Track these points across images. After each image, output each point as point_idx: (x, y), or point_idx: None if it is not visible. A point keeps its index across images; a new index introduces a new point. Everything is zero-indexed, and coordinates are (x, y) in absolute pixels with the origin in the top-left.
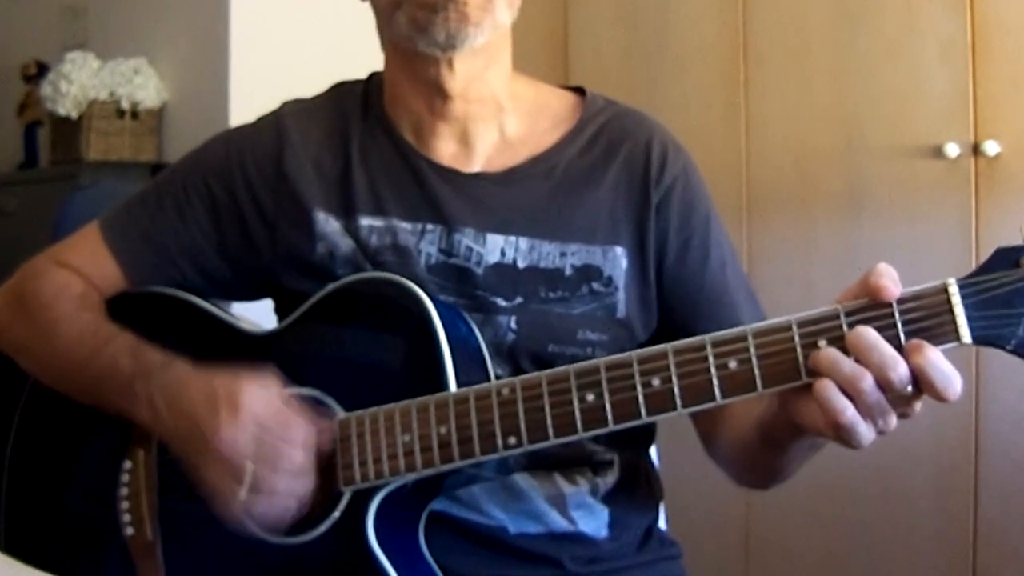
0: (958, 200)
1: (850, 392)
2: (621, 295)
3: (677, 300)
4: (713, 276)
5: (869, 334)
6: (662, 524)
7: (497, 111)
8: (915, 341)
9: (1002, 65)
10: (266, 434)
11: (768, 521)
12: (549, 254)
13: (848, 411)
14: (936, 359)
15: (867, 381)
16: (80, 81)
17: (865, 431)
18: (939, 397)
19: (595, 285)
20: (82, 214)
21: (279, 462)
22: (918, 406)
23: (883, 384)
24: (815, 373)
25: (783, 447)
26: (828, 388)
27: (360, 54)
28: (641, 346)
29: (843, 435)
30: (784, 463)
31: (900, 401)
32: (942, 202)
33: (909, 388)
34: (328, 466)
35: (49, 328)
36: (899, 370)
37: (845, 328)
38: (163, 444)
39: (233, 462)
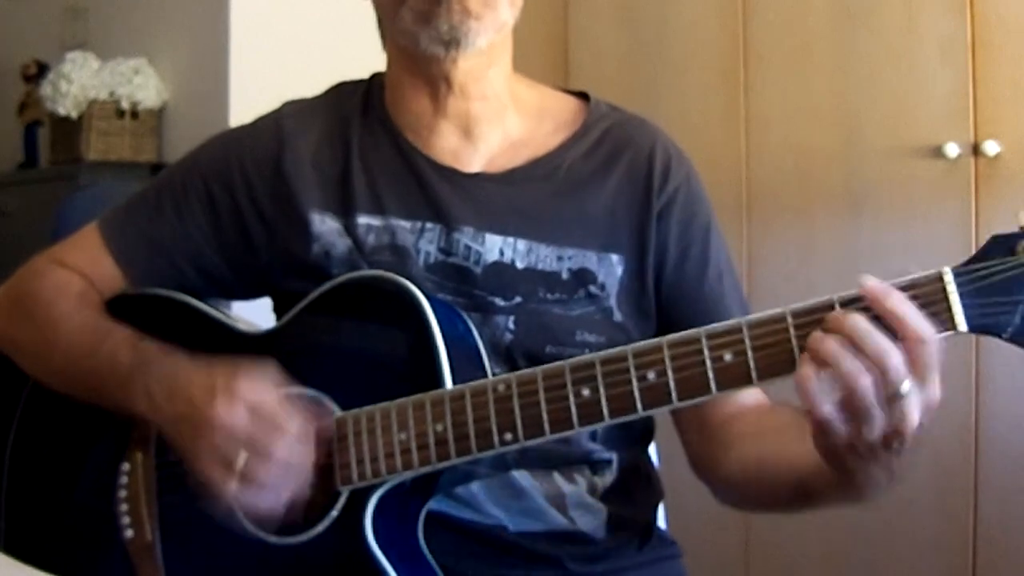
0: (958, 200)
1: (844, 385)
2: (613, 302)
3: (674, 308)
4: (711, 286)
5: (863, 324)
6: (662, 524)
7: (500, 110)
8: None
9: (1002, 65)
10: (260, 423)
11: (768, 521)
12: (546, 257)
13: (826, 406)
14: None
15: (863, 380)
16: (80, 81)
17: (840, 425)
18: (914, 336)
19: (591, 288)
20: (82, 214)
21: (272, 452)
22: (908, 418)
23: (880, 369)
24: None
25: (818, 502)
26: (810, 381)
27: (360, 55)
28: None
29: (824, 429)
30: (803, 510)
31: (889, 404)
32: (942, 202)
33: (904, 386)
34: (326, 465)
35: (48, 326)
36: (895, 359)
37: None
38: (160, 436)
39: (226, 448)
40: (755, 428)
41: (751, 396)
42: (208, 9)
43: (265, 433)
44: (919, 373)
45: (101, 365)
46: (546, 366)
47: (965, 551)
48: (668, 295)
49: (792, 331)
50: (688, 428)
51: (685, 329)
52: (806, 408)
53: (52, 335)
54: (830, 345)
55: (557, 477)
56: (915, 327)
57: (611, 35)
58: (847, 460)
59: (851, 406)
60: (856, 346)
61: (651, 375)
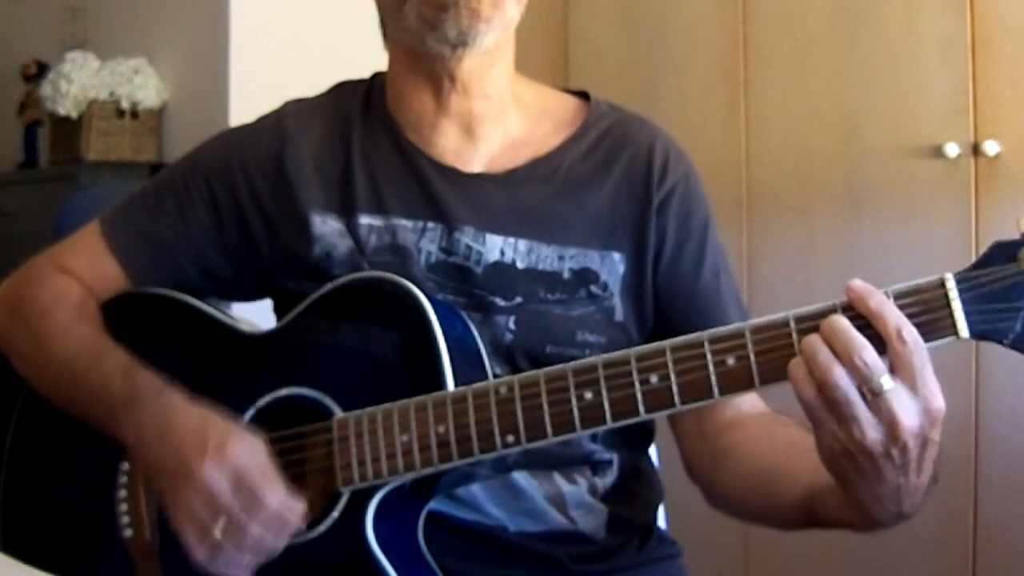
0: (958, 200)
1: (818, 378)
2: (617, 300)
3: (669, 304)
4: (706, 283)
5: (840, 321)
6: (662, 524)
7: (502, 110)
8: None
9: (1002, 65)
10: (242, 495)
11: None
12: (547, 257)
13: (811, 393)
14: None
15: (836, 370)
16: (80, 81)
17: (828, 421)
18: (896, 336)
19: (593, 288)
20: (82, 214)
21: (248, 529)
22: (902, 426)
23: (849, 366)
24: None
25: (824, 521)
26: (797, 367)
27: (360, 54)
28: None
29: (815, 424)
30: (804, 528)
31: (874, 401)
32: (942, 202)
33: (883, 382)
34: (327, 466)
35: (44, 339)
36: (865, 354)
37: None
38: (145, 473)
39: (205, 513)
40: (761, 437)
41: (750, 403)
42: (208, 9)
43: (245, 507)
44: (906, 374)
45: (92, 389)
46: (548, 369)
47: (965, 551)
48: (663, 291)
49: (795, 336)
50: (685, 433)
51: (679, 327)
52: (795, 394)
53: (47, 349)
54: (813, 342)
55: (557, 478)
56: (896, 327)
57: (611, 35)
58: (848, 470)
59: (830, 397)
60: (830, 342)
61: (653, 378)
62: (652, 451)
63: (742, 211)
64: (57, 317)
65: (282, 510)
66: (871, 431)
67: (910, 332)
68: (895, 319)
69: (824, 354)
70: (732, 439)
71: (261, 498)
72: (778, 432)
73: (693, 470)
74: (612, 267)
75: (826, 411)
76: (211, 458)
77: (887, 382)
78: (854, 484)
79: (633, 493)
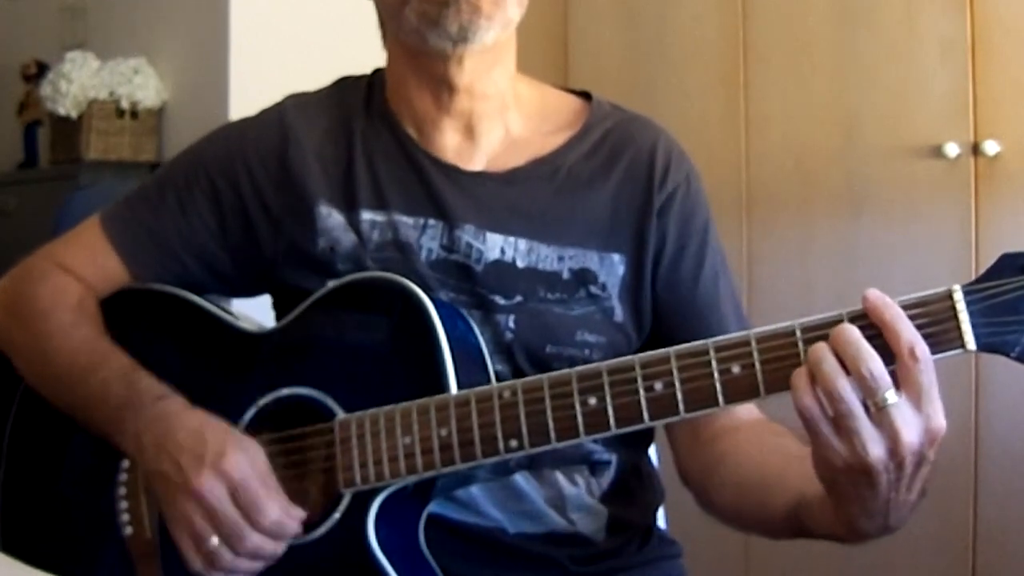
0: (958, 200)
1: (822, 387)
2: (615, 302)
3: (668, 307)
4: (705, 287)
5: (851, 331)
6: (662, 524)
7: (503, 109)
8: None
9: (1002, 65)
10: (239, 508)
11: None
12: (547, 257)
13: (810, 402)
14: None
15: (841, 381)
16: (80, 81)
17: (828, 433)
18: (907, 352)
19: (592, 289)
20: (82, 214)
21: (243, 543)
22: (903, 434)
23: (856, 377)
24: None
25: (810, 532)
26: (800, 376)
27: (360, 53)
28: (639, 351)
29: (807, 427)
30: (792, 537)
31: (878, 416)
32: (942, 202)
33: (888, 396)
34: (328, 467)
35: (44, 340)
36: (873, 366)
37: None
38: (145, 479)
39: (201, 525)
40: (754, 445)
41: (745, 410)
42: (208, 9)
43: (241, 521)
44: (912, 391)
45: (92, 394)
46: (552, 374)
47: (965, 551)
48: (662, 293)
49: (801, 345)
50: (680, 438)
51: (677, 332)
52: (795, 404)
53: (46, 350)
54: (819, 350)
55: (557, 479)
56: (909, 343)
57: (611, 35)
58: (842, 483)
59: (835, 409)
60: (838, 351)
61: (658, 385)
62: (652, 451)
63: (742, 211)
64: (57, 317)
65: (282, 519)
66: (873, 446)
67: (923, 350)
68: (909, 335)
69: (830, 363)
70: (726, 446)
71: (260, 508)
72: (771, 441)
73: (686, 475)
74: (611, 268)
75: (827, 422)
76: (209, 469)
77: (892, 396)
78: (846, 497)
79: (633, 494)
